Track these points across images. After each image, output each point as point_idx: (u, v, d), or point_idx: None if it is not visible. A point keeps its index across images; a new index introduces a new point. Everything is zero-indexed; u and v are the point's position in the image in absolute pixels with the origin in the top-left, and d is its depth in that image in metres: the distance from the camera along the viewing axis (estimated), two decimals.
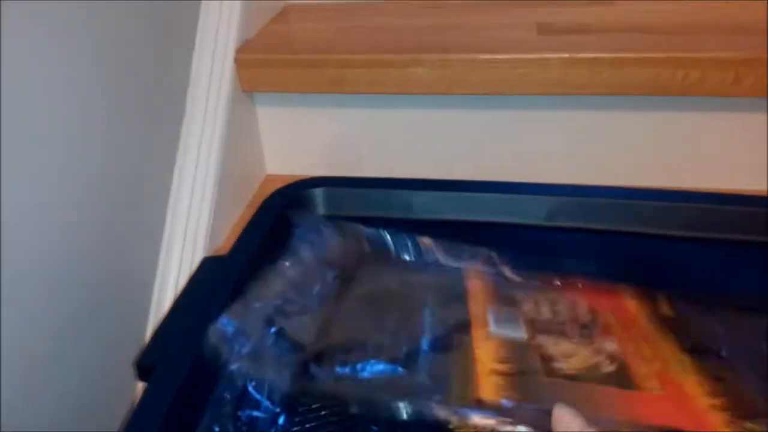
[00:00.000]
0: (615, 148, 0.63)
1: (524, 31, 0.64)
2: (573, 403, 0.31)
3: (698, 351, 0.38)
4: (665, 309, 0.43)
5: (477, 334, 0.39)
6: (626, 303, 0.44)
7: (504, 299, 0.43)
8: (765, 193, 0.53)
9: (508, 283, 0.46)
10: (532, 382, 0.35)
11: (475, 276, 0.46)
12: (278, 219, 0.51)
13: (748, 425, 0.32)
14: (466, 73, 0.60)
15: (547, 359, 0.37)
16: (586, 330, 0.40)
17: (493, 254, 0.49)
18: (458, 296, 0.43)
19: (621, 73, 0.58)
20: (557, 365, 0.36)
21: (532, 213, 0.53)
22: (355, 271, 0.47)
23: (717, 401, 0.34)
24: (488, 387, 0.34)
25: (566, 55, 0.58)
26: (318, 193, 0.54)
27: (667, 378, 0.35)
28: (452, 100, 0.63)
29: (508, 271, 0.47)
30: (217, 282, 0.45)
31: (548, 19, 0.66)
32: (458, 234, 0.52)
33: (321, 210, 0.54)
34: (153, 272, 0.53)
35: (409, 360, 0.37)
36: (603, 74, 0.58)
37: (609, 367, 0.36)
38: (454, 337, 0.39)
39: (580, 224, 0.52)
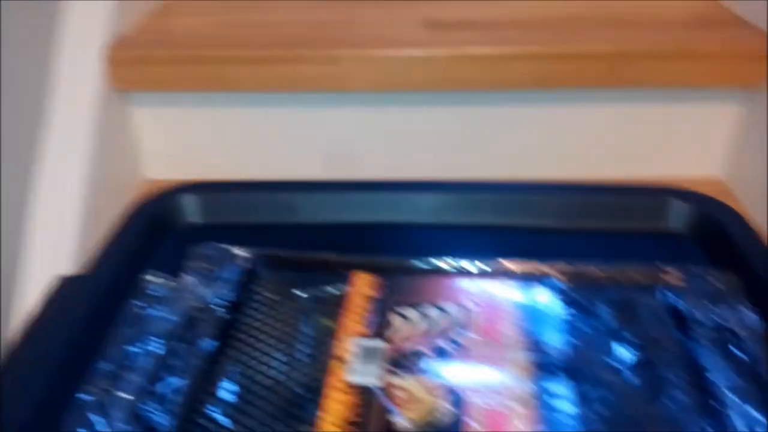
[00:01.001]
0: (502, 142, 0.63)
1: (412, 27, 0.63)
2: None
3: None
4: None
5: (332, 382, 0.39)
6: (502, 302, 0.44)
7: (376, 317, 0.43)
8: (642, 184, 0.54)
9: (388, 291, 0.45)
10: None
11: (356, 290, 0.45)
12: (146, 231, 0.48)
13: None
14: (354, 70, 0.58)
15: (388, 411, 0.37)
16: (447, 349, 0.40)
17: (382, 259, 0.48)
18: (329, 328, 0.42)
19: (505, 67, 0.57)
20: (398, 419, 0.36)
21: (420, 211, 0.52)
22: (237, 296, 0.45)
23: None
24: None
25: (453, 51, 0.58)
26: (191, 200, 0.50)
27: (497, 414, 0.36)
28: (339, 97, 0.61)
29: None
30: (73, 305, 0.41)
31: (435, 15, 0.65)
32: (345, 236, 0.51)
33: (195, 218, 0.51)
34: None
35: None
36: (488, 69, 0.57)
37: (446, 413, 0.36)
38: (304, 396, 0.38)
39: (468, 220, 0.52)
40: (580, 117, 0.62)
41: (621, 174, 0.63)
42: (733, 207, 0.50)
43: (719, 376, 0.38)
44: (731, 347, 0.39)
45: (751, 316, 0.40)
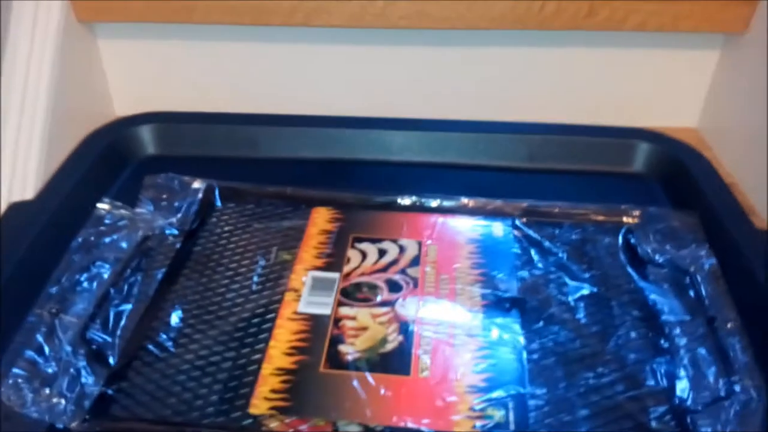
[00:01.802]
0: (475, 83, 0.61)
1: None
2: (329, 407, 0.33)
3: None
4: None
5: (284, 313, 0.39)
6: (459, 237, 0.44)
7: (334, 250, 0.42)
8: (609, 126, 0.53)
9: (346, 225, 0.44)
10: (309, 380, 0.35)
11: (315, 224, 0.45)
12: (101, 160, 0.47)
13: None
14: (327, 4, 0.57)
15: (336, 340, 0.37)
16: (400, 282, 0.40)
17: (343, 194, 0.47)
18: (286, 261, 0.42)
19: (482, 6, 0.55)
20: (343, 348, 0.36)
21: (384, 148, 0.51)
22: (193, 226, 0.44)
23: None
24: (264, 394, 0.34)
25: None
26: (149, 130, 0.49)
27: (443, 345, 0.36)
28: (311, 32, 0.59)
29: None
30: (23, 231, 0.40)
31: None
32: (306, 172, 0.50)
33: (154, 149, 0.50)
34: None
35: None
36: (464, 8, 0.55)
37: (394, 341, 0.36)
38: (256, 324, 0.38)
39: (432, 158, 0.51)
40: (556, 60, 0.61)
41: (594, 121, 0.61)
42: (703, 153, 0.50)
43: (672, 315, 0.38)
44: (686, 287, 0.40)
45: (708, 257, 0.40)
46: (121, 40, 0.61)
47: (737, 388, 0.33)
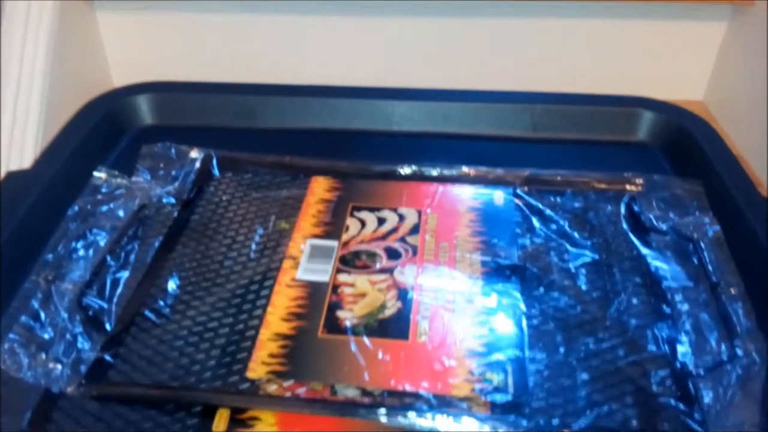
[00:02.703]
0: (478, 54, 0.61)
1: None
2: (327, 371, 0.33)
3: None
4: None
5: (282, 279, 0.38)
6: (459, 206, 0.43)
7: (332, 219, 0.42)
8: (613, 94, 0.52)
9: (345, 194, 0.44)
10: (307, 345, 0.34)
11: (313, 193, 0.44)
12: (99, 129, 0.47)
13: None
14: None
15: (334, 306, 0.36)
16: (400, 250, 0.40)
17: (342, 164, 0.47)
18: (284, 229, 0.42)
19: None
20: (341, 314, 0.36)
21: (384, 118, 0.51)
22: (190, 195, 0.44)
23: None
24: (262, 359, 0.34)
25: None
26: (147, 100, 0.49)
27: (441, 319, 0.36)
28: (310, 3, 0.59)
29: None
30: (19, 199, 0.40)
31: None
32: (306, 142, 0.49)
33: (152, 119, 0.50)
34: None
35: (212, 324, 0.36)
36: None
37: (393, 307, 0.36)
38: (254, 291, 0.38)
39: (434, 128, 0.51)
40: (561, 31, 0.60)
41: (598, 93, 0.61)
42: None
43: (674, 282, 0.38)
44: (689, 254, 0.39)
45: (712, 224, 0.40)
46: (118, 11, 0.60)
47: (739, 352, 0.32)
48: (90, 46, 0.59)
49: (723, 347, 0.33)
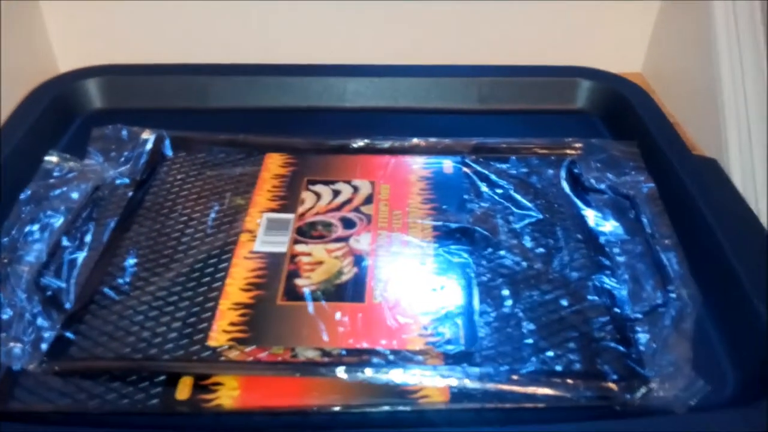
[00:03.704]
0: (423, 27, 0.61)
1: None
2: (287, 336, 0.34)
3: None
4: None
5: (240, 252, 0.39)
6: (410, 175, 0.45)
7: (287, 193, 0.43)
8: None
9: (299, 169, 0.45)
10: (266, 312, 0.35)
11: (268, 169, 0.45)
12: (48, 114, 0.46)
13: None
14: None
15: (292, 275, 0.37)
16: (354, 219, 0.41)
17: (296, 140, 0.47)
18: (240, 205, 0.42)
19: None
20: (299, 281, 0.37)
21: (335, 95, 0.52)
22: (144, 176, 0.44)
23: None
24: (223, 327, 0.34)
25: None
26: (96, 83, 0.49)
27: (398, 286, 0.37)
28: None
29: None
30: None
31: None
32: (259, 120, 0.50)
33: (102, 103, 0.50)
34: None
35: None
36: None
37: (349, 273, 0.37)
38: (212, 264, 0.38)
39: (383, 103, 0.52)
40: (503, 6, 0.61)
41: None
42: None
43: (612, 236, 0.40)
44: (625, 210, 0.41)
45: (646, 182, 0.42)
46: None
47: (673, 296, 0.35)
48: (34, 33, 0.58)
49: (658, 293, 0.36)
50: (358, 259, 0.39)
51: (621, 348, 0.34)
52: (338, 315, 0.35)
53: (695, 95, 0.57)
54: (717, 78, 0.52)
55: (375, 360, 0.33)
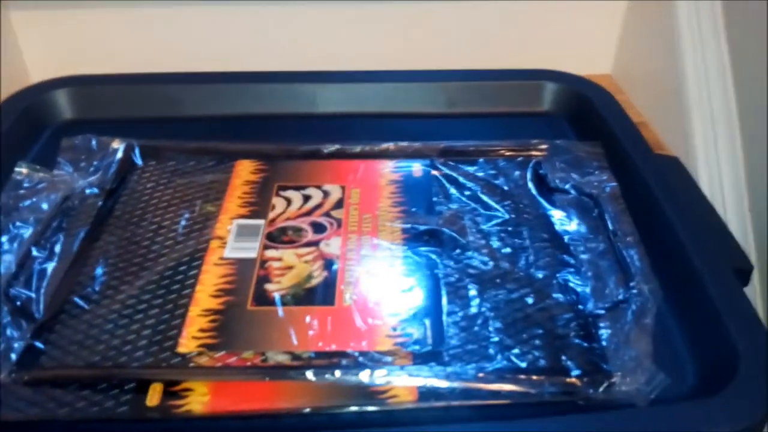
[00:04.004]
0: (391, 34, 0.62)
1: None
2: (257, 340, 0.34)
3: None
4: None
5: (210, 259, 0.39)
6: (380, 179, 0.45)
7: (258, 199, 0.43)
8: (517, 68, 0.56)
9: (270, 175, 0.45)
10: (236, 318, 0.36)
11: (238, 176, 0.45)
12: (18, 125, 0.46)
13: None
14: None
15: (262, 280, 0.38)
16: (325, 223, 0.42)
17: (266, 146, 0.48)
18: (211, 212, 0.43)
19: None
20: (269, 287, 0.37)
21: (305, 102, 0.52)
22: (114, 185, 0.44)
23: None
24: (192, 333, 0.35)
25: None
26: (65, 94, 0.49)
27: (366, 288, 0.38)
28: None
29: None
30: None
31: None
32: (228, 128, 0.50)
33: (72, 113, 0.50)
34: None
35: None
36: None
37: (319, 277, 0.38)
38: (182, 271, 0.39)
39: (352, 109, 0.52)
40: (471, 10, 0.62)
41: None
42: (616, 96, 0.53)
43: (576, 235, 0.41)
44: (589, 209, 0.42)
45: (609, 181, 0.43)
46: (31, 9, 0.59)
47: (635, 292, 0.36)
48: (4, 42, 0.58)
49: (620, 289, 0.37)
50: (328, 263, 0.39)
51: (584, 344, 0.35)
52: (308, 318, 0.35)
53: (662, 95, 0.58)
54: (682, 78, 0.54)
55: (344, 362, 0.33)
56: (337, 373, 0.32)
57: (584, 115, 0.50)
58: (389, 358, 0.33)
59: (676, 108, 0.55)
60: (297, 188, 0.45)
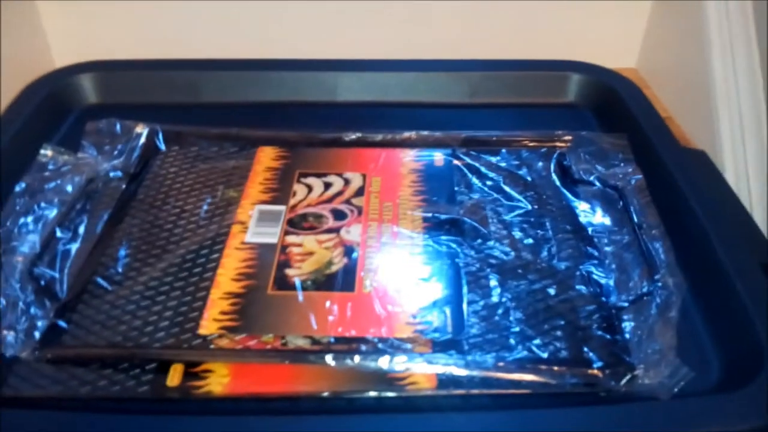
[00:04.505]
0: (406, 24, 0.61)
1: None
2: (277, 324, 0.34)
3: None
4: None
5: (231, 243, 0.39)
6: (401, 168, 0.45)
7: (279, 185, 0.43)
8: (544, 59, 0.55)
9: (291, 162, 0.45)
10: (257, 301, 0.36)
11: (260, 162, 0.46)
12: (42, 109, 0.47)
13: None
14: None
15: (283, 265, 0.38)
16: (345, 211, 0.42)
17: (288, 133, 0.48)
18: (233, 197, 0.43)
19: None
20: (290, 272, 0.38)
21: (327, 90, 0.52)
22: (137, 169, 0.45)
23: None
24: (213, 316, 0.35)
25: None
26: (90, 79, 0.49)
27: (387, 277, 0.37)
28: None
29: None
30: None
31: None
32: (251, 115, 0.50)
33: (96, 98, 0.50)
34: None
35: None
36: None
37: (339, 263, 0.38)
38: (204, 255, 0.39)
39: (375, 98, 0.52)
40: (500, 3, 0.62)
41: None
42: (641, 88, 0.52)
43: (600, 227, 0.40)
44: (614, 201, 0.42)
45: (635, 173, 0.42)
46: None
47: (659, 285, 0.35)
48: (30, 29, 0.59)
49: (644, 282, 0.36)
50: (349, 250, 0.39)
51: (607, 336, 0.34)
52: (328, 304, 0.35)
53: (689, 90, 0.57)
54: (710, 72, 0.53)
55: (363, 347, 0.33)
56: (357, 358, 0.32)
57: (610, 107, 0.50)
58: (408, 345, 0.33)
59: (702, 103, 0.54)
60: (318, 175, 0.45)
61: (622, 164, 0.43)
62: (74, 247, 0.39)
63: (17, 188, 0.40)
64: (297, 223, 0.41)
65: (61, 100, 0.50)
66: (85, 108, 0.51)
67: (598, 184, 0.43)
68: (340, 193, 0.43)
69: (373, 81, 0.52)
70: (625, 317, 0.35)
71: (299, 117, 0.50)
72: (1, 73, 0.51)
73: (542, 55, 0.62)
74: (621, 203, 0.41)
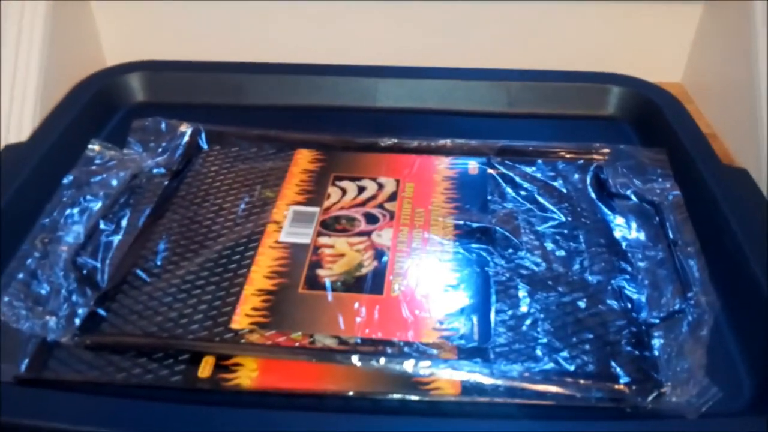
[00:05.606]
0: (446, 32, 0.62)
1: None
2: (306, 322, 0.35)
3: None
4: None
5: (266, 242, 0.40)
6: (435, 175, 0.46)
7: (315, 187, 0.44)
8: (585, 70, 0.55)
9: (327, 165, 0.46)
10: (288, 299, 0.37)
11: (297, 164, 0.46)
12: (91, 105, 0.49)
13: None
14: None
15: (314, 265, 0.39)
16: (378, 215, 0.42)
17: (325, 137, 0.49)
18: (269, 198, 0.44)
19: None
20: (321, 272, 0.38)
21: (365, 95, 0.53)
22: (179, 167, 0.46)
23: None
24: (245, 311, 0.36)
25: None
26: (137, 78, 0.51)
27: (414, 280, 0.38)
28: None
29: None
30: (16, 170, 0.42)
31: None
32: (290, 118, 0.52)
33: (142, 96, 0.52)
34: None
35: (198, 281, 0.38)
36: None
37: (369, 266, 0.38)
38: (239, 252, 0.40)
39: (413, 104, 0.53)
40: (543, 13, 0.62)
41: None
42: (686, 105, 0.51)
43: (635, 242, 0.40)
44: (650, 217, 0.41)
45: (672, 189, 0.42)
46: None
47: (692, 303, 0.35)
48: (84, 27, 0.61)
49: (677, 300, 0.36)
50: (379, 253, 0.39)
51: (636, 352, 0.34)
52: (356, 305, 0.36)
53: (734, 106, 0.56)
54: (756, 89, 0.52)
55: (389, 350, 0.34)
56: (382, 360, 0.33)
57: (650, 122, 0.49)
58: (434, 351, 0.34)
59: (747, 120, 0.52)
60: (352, 179, 0.45)
61: (660, 179, 0.43)
62: (116, 239, 0.40)
63: (65, 180, 0.42)
64: (330, 225, 0.42)
65: (110, 98, 0.52)
66: (132, 106, 0.53)
67: (634, 198, 0.42)
68: (373, 197, 0.44)
69: (412, 88, 0.53)
70: (656, 334, 0.34)
71: (337, 121, 0.51)
72: (55, 69, 0.53)
73: (586, 67, 0.62)
74: (657, 219, 0.41)
